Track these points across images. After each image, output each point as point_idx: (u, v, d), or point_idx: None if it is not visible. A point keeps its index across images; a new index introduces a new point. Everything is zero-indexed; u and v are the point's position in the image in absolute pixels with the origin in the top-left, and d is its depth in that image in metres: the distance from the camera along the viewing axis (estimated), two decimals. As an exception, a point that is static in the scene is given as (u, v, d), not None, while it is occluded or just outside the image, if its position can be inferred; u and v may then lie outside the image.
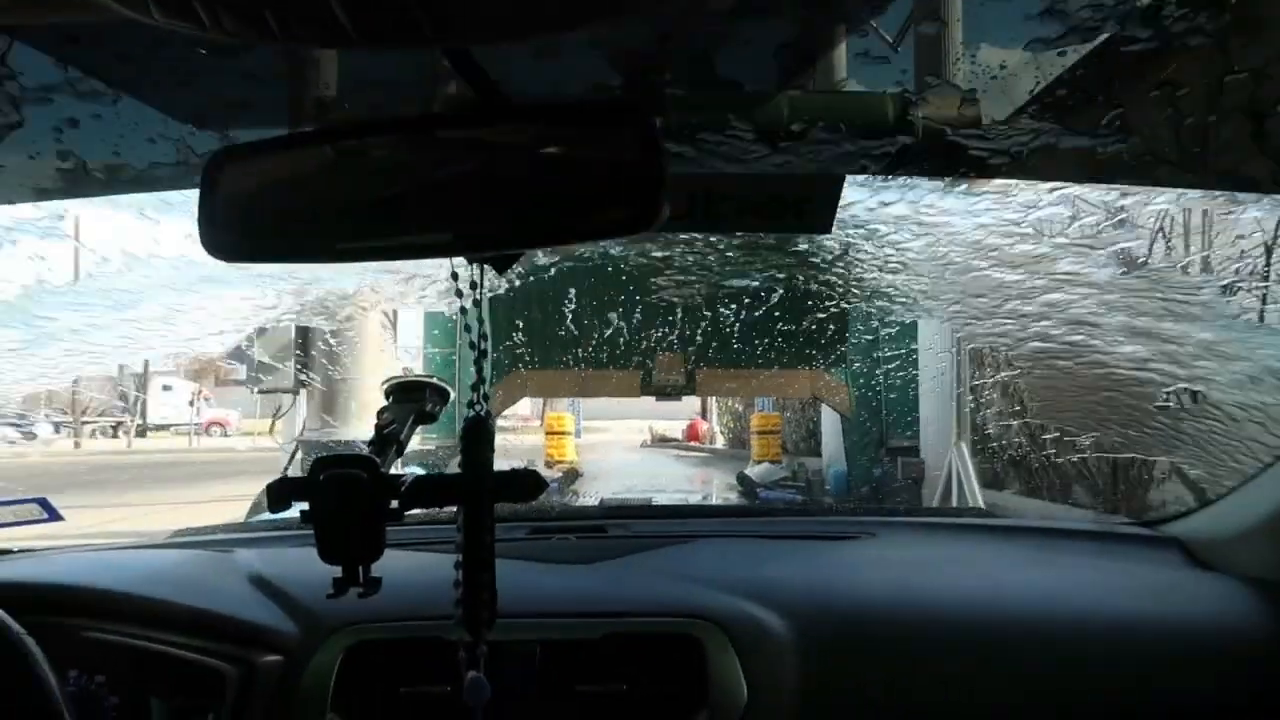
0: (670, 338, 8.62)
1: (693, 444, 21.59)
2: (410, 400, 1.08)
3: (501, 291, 7.24)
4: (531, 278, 7.60)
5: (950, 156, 1.18)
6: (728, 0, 0.94)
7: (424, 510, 1.06)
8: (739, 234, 6.22)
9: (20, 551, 1.73)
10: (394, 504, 0.94)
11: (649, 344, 8.66)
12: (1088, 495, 7.06)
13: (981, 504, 6.21)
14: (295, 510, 0.95)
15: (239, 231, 0.79)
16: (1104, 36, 0.91)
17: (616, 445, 20.85)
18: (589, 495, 8.79)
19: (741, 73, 1.10)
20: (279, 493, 0.96)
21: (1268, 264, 5.53)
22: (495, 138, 0.75)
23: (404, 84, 0.90)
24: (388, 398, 1.08)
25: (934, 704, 1.25)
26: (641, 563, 1.52)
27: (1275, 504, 1.41)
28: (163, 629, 1.31)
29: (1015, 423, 7.90)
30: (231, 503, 6.27)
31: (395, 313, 7.55)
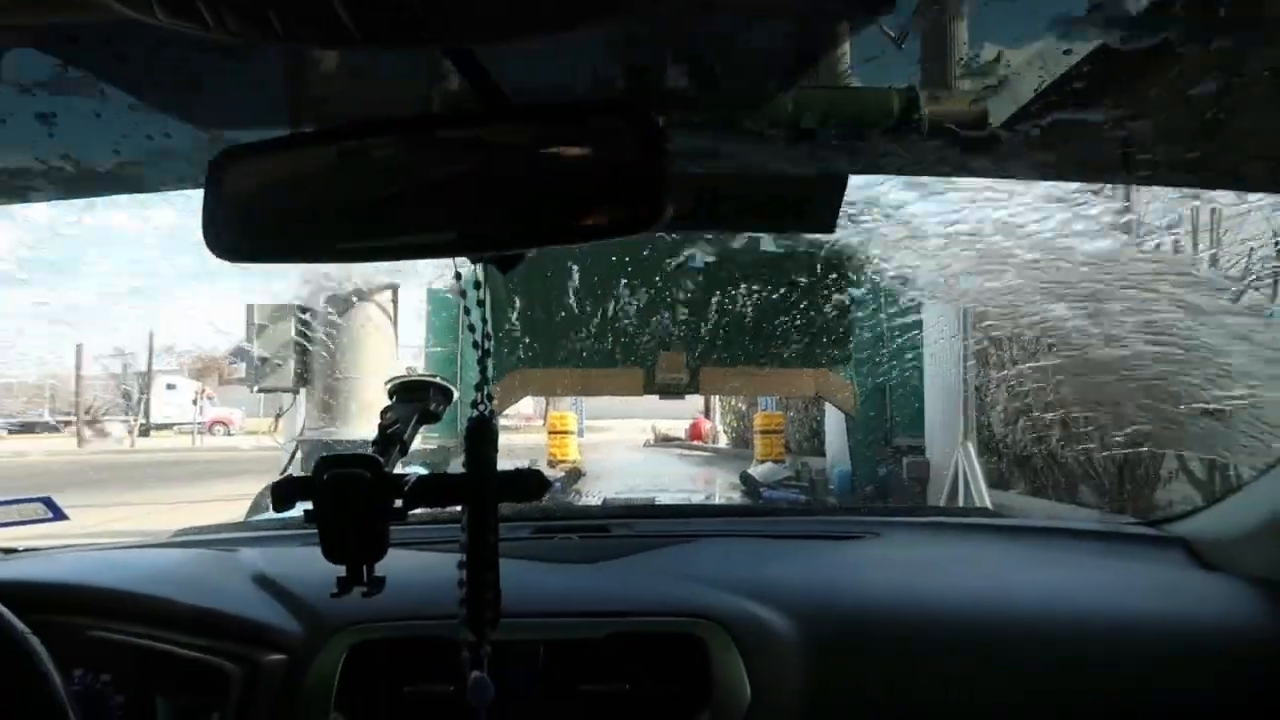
0: (673, 336, 8.61)
1: (696, 443, 21.58)
2: (414, 400, 1.08)
3: (503, 290, 7.25)
4: (533, 276, 7.62)
5: (955, 154, 1.17)
6: None
7: (428, 509, 1.06)
8: (742, 234, 6.23)
9: (25, 550, 1.73)
10: (398, 503, 0.94)
11: (652, 342, 8.65)
12: (1094, 494, 7.05)
13: (989, 504, 6.18)
14: (299, 509, 0.96)
15: (243, 231, 0.79)
16: (1113, 31, 0.91)
17: (619, 444, 20.84)
18: (592, 495, 8.78)
19: (744, 71, 1.10)
20: (283, 492, 0.96)
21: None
22: (497, 138, 0.75)
23: (406, 84, 0.90)
24: (391, 397, 1.08)
25: (938, 704, 1.25)
26: (645, 562, 1.52)
27: None
28: (167, 628, 1.31)
29: (1022, 421, 7.87)
30: (234, 502, 6.27)
31: (396, 311, 7.54)
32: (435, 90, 0.92)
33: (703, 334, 8.60)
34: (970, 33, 0.98)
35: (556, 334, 8.41)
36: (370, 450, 0.98)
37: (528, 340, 8.36)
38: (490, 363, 0.97)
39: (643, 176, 0.70)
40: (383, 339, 7.39)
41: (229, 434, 25.45)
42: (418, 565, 1.40)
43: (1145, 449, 6.25)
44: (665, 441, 22.49)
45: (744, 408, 17.30)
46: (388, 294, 7.38)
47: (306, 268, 6.05)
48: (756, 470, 10.76)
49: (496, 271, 0.89)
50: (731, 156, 1.22)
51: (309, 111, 1.07)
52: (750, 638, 1.27)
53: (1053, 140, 1.11)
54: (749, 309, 8.19)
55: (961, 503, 6.45)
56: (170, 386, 27.50)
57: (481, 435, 0.96)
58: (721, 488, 11.26)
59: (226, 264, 0.79)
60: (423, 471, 1.05)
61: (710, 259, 7.59)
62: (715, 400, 20.67)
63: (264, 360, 7.23)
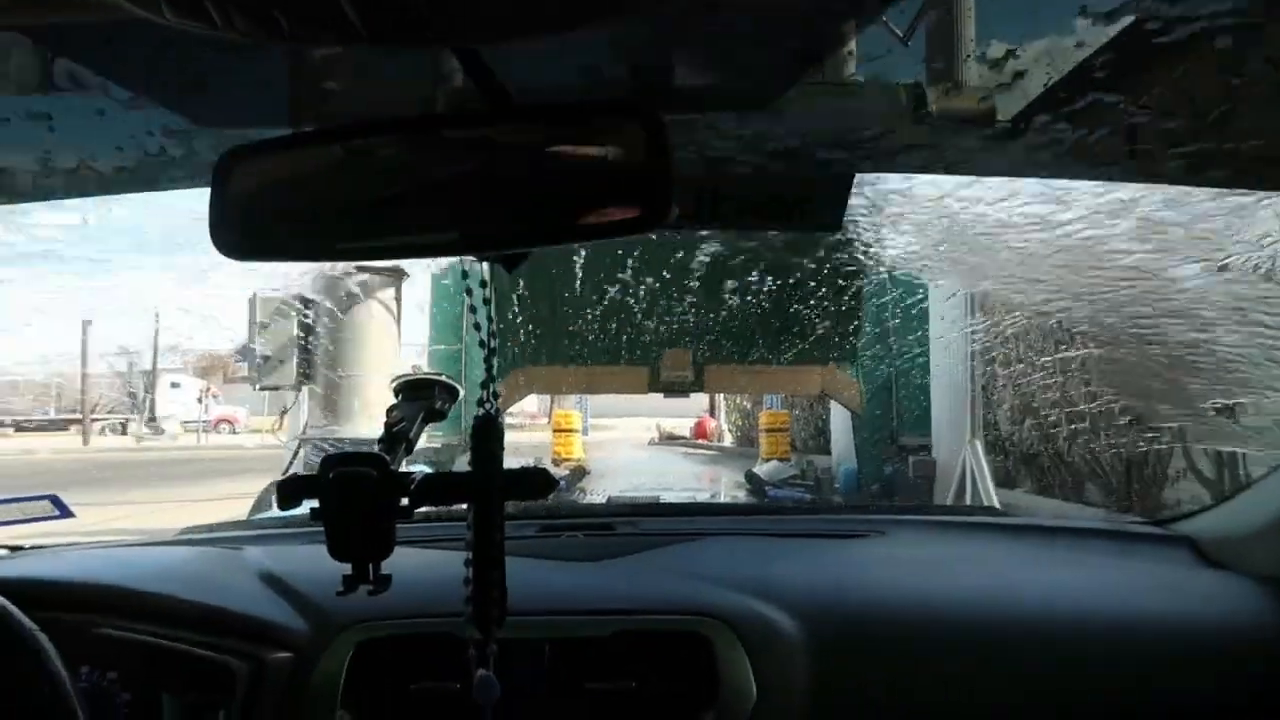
0: (678, 333, 8.58)
1: (700, 442, 21.57)
2: (420, 398, 1.08)
3: (508, 287, 7.24)
4: (538, 273, 7.60)
5: (962, 152, 1.17)
6: None
7: (434, 508, 1.06)
8: (748, 232, 6.22)
9: (32, 548, 1.74)
10: (404, 501, 0.94)
11: (656, 340, 8.63)
12: (1101, 493, 7.03)
13: (997, 503, 6.15)
14: (305, 507, 0.96)
15: (249, 230, 0.79)
16: (1120, 27, 0.90)
17: (624, 443, 20.83)
18: (597, 493, 8.78)
19: (750, 69, 1.10)
20: (289, 490, 0.96)
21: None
22: (503, 137, 0.75)
23: (412, 84, 0.90)
24: (397, 395, 1.09)
25: (944, 702, 1.24)
26: (650, 560, 1.52)
27: None
28: (173, 626, 1.32)
29: (1029, 420, 7.84)
30: (238, 500, 6.27)
31: (399, 308, 7.51)
32: (441, 90, 0.92)
33: (708, 331, 8.57)
34: (977, 30, 0.97)
35: (561, 332, 8.39)
36: (376, 448, 0.98)
37: (532, 338, 8.35)
38: (496, 361, 0.97)
39: (648, 176, 0.70)
40: (386, 336, 7.34)
41: (234, 432, 25.51)
42: (424, 563, 1.40)
43: (1154, 447, 6.22)
44: (670, 440, 22.48)
45: (749, 406, 17.28)
46: (391, 291, 7.33)
47: (309, 265, 6.04)
48: (762, 469, 10.76)
49: (501, 269, 0.89)
50: (737, 155, 1.22)
51: (315, 111, 1.07)
52: (756, 636, 1.27)
53: (1060, 137, 1.10)
54: (754, 306, 8.16)
55: (969, 502, 6.43)
56: (175, 385, 27.58)
57: (487, 433, 0.96)
58: (726, 486, 11.24)
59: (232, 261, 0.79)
60: (427, 470, 1.05)
61: (715, 257, 7.58)
62: (720, 398, 20.68)
63: (265, 358, 7.18)
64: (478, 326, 0.97)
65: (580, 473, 10.56)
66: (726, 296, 8.04)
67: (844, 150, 1.20)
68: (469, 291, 0.95)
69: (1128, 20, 0.90)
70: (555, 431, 12.54)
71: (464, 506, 0.99)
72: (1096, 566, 1.53)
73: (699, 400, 20.38)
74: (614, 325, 8.35)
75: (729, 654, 1.25)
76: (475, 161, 0.75)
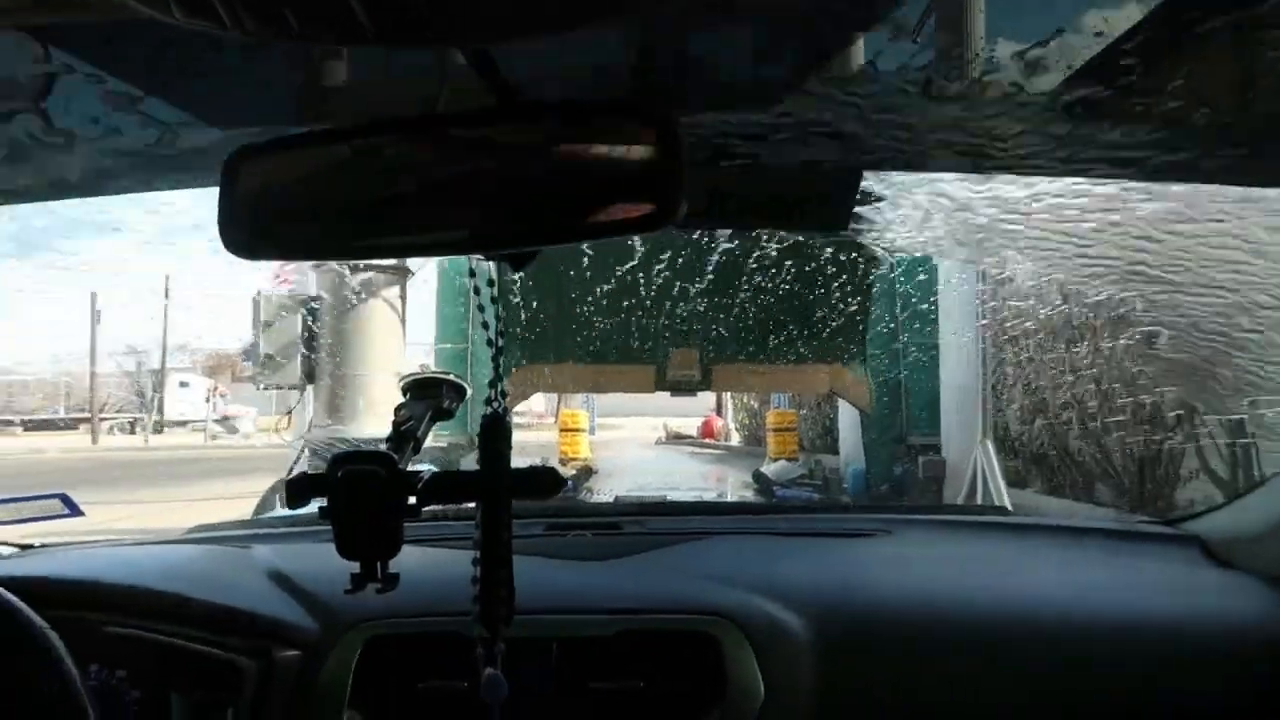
0: (685, 332, 8.55)
1: (708, 441, 21.53)
2: (427, 397, 1.08)
3: (514, 286, 7.22)
4: (544, 272, 7.58)
5: (971, 149, 1.17)
6: None
7: (441, 506, 1.06)
8: (755, 231, 6.20)
9: (42, 547, 1.75)
10: (411, 500, 0.94)
11: (664, 339, 8.60)
12: (1112, 493, 6.99)
13: (1008, 504, 6.12)
14: (313, 506, 0.96)
15: (257, 229, 0.79)
16: (1140, 17, 0.89)
17: (631, 442, 20.82)
18: (603, 492, 8.76)
19: (757, 67, 1.10)
20: (297, 489, 0.96)
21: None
22: (512, 136, 0.75)
23: (420, 83, 0.90)
24: (405, 394, 1.09)
25: (952, 702, 1.24)
26: (657, 560, 1.52)
27: None
28: (182, 624, 1.32)
29: (1039, 420, 7.79)
30: (245, 500, 6.28)
31: (404, 307, 7.49)
32: (449, 89, 0.92)
33: (715, 330, 8.53)
34: (987, 26, 0.96)
35: (567, 330, 8.37)
36: (384, 447, 0.98)
37: (539, 337, 8.34)
38: (503, 359, 0.97)
39: (658, 174, 0.70)
40: (390, 334, 7.31)
41: (233, 431, 25.60)
42: (432, 562, 1.40)
43: (1167, 446, 6.18)
44: (677, 439, 22.45)
45: (756, 405, 17.24)
46: (395, 289, 7.30)
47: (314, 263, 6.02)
48: (769, 469, 10.73)
49: (509, 269, 0.89)
50: (744, 153, 1.21)
51: (323, 110, 1.07)
52: (763, 635, 1.27)
53: (1077, 133, 1.09)
54: (762, 305, 8.12)
55: (980, 502, 6.40)
56: (183, 384, 27.70)
57: (495, 432, 0.96)
58: (734, 486, 11.22)
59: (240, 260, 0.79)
60: (432, 469, 1.05)
61: (722, 255, 7.56)
62: (728, 398, 20.63)
63: (269, 357, 7.17)
64: (485, 325, 0.97)
65: (587, 472, 10.55)
66: (734, 295, 8.00)
67: (852, 148, 1.20)
68: (476, 290, 0.95)
69: (1148, 10, 0.89)
70: (562, 431, 12.53)
71: (472, 505, 0.99)
72: (1104, 566, 1.52)
73: (706, 399, 20.36)
74: (621, 324, 8.32)
75: (736, 653, 1.25)
76: (484, 160, 0.75)
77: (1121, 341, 6.05)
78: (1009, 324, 7.43)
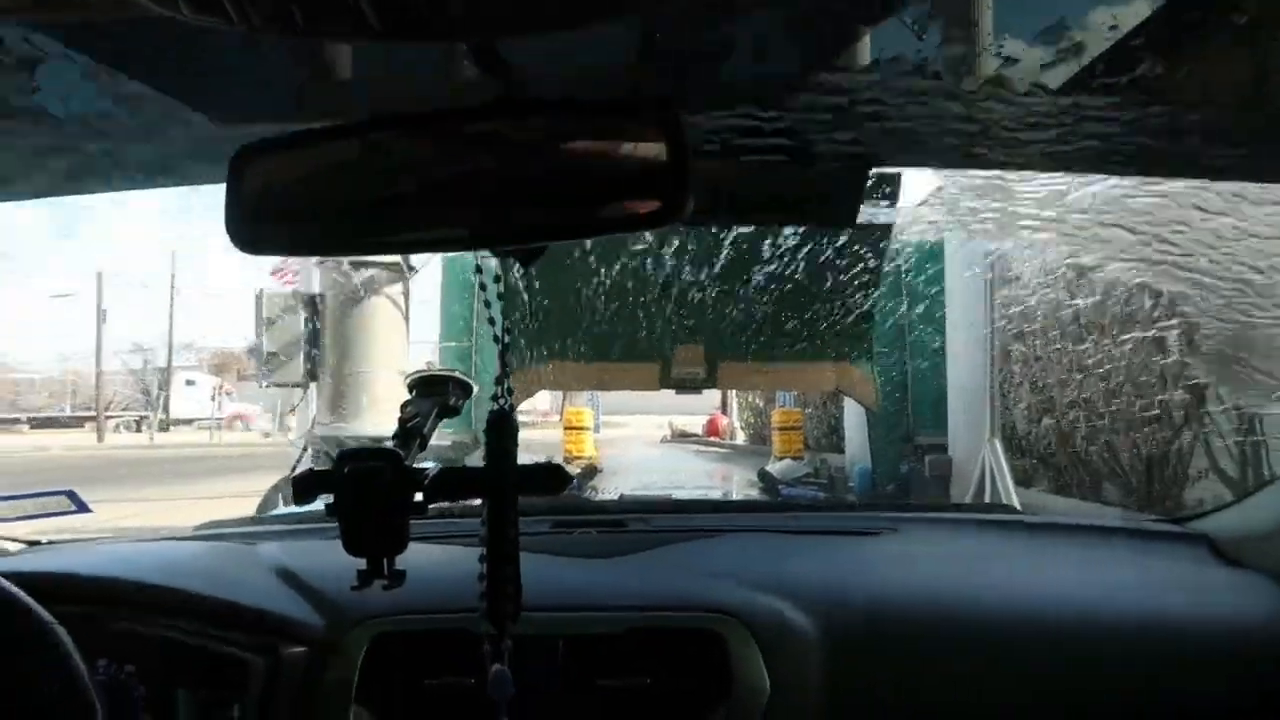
0: (690, 329, 8.52)
1: (713, 439, 21.51)
2: (433, 394, 1.08)
3: (519, 283, 7.21)
4: (548, 269, 7.56)
5: (979, 145, 1.16)
6: None
7: (448, 504, 1.06)
8: (761, 227, 6.19)
9: (50, 543, 1.76)
10: (418, 497, 0.94)
11: (668, 336, 8.57)
12: (1120, 492, 6.96)
13: (1017, 504, 6.10)
14: (320, 503, 0.96)
15: (264, 225, 0.79)
16: (1150, 10, 0.88)
17: (636, 440, 20.80)
18: (608, 491, 8.75)
19: (763, 62, 1.09)
20: (303, 486, 0.96)
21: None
22: (519, 132, 0.75)
23: (428, 79, 0.90)
24: (411, 391, 1.09)
25: (958, 700, 1.24)
26: (663, 557, 1.52)
27: None
28: (189, 620, 1.32)
29: (1046, 420, 7.76)
30: (249, 498, 6.29)
31: (407, 304, 7.47)
32: (456, 85, 0.92)
33: (720, 327, 8.50)
34: (995, 20, 0.96)
35: (572, 328, 8.36)
36: (390, 444, 0.98)
37: (543, 334, 8.32)
38: (510, 357, 0.97)
39: (665, 170, 0.70)
40: (393, 332, 7.29)
41: (248, 429, 25.68)
42: (438, 559, 1.40)
43: (1175, 444, 6.16)
44: (682, 438, 22.43)
45: (762, 404, 17.21)
46: (398, 286, 7.27)
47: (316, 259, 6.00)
48: (775, 467, 10.71)
49: (521, 267, 0.89)
50: (750, 149, 1.21)
51: (328, 106, 1.07)
52: (769, 633, 1.27)
53: (1087, 129, 1.09)
54: (767, 302, 8.10)
55: (988, 502, 6.37)
56: (190, 383, 27.79)
57: (502, 429, 0.96)
58: (739, 484, 11.20)
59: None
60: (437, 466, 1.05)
61: (728, 252, 7.54)
62: (733, 396, 20.59)
63: (272, 355, 7.15)
64: (492, 322, 0.97)
65: (592, 470, 10.54)
66: (739, 292, 7.98)
67: (858, 143, 1.19)
68: (483, 287, 0.95)
69: (1155, 5, 0.88)
70: (567, 429, 12.51)
71: (478, 503, 0.99)
72: (1112, 564, 1.52)
73: (711, 398, 20.34)
74: (626, 321, 8.29)
75: (742, 651, 1.25)
76: (491, 156, 0.75)
77: (1133, 335, 6.02)
78: (1015, 322, 7.40)
